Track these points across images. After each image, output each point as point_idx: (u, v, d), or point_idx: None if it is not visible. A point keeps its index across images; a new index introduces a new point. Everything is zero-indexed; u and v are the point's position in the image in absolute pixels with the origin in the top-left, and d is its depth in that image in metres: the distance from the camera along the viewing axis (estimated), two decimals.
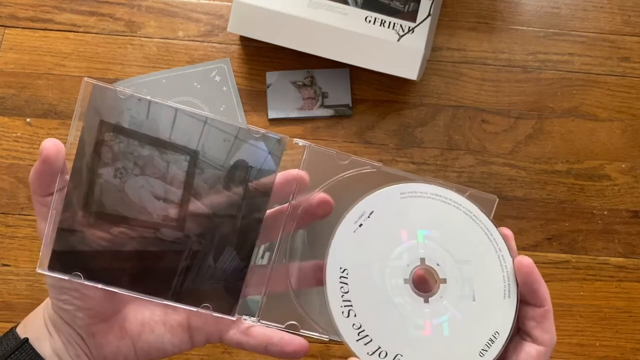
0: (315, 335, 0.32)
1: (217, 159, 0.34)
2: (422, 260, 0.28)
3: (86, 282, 0.32)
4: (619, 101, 0.61)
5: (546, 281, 0.56)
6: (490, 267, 0.29)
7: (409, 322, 0.27)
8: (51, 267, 0.32)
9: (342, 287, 0.27)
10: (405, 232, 0.29)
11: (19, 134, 0.58)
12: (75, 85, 0.59)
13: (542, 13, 0.64)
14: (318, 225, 0.32)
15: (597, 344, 0.54)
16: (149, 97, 0.32)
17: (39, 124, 0.58)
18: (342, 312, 0.27)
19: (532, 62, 0.62)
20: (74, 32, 0.61)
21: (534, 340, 0.27)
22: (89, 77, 0.32)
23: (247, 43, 0.61)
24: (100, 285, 0.33)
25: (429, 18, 0.57)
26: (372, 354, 0.27)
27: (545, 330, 0.27)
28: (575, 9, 0.64)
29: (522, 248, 0.57)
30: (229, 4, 0.61)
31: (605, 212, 0.58)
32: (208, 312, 0.34)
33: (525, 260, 0.29)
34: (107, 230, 0.32)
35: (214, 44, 0.61)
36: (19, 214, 0.57)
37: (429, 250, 0.28)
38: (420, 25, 0.57)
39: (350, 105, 0.60)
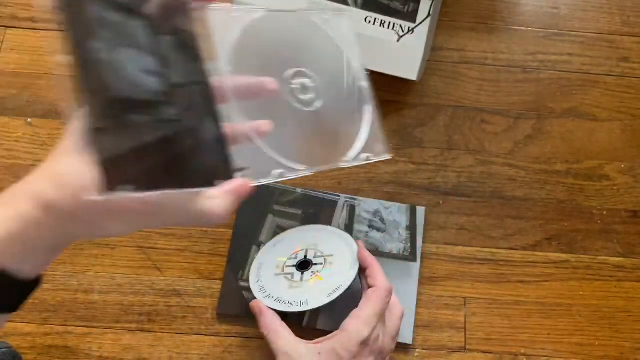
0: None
1: (159, 26, 0.31)
2: (306, 254, 0.52)
3: (144, 194, 0.27)
4: (618, 101, 0.62)
5: (546, 281, 0.56)
6: (345, 256, 0.51)
7: (288, 281, 0.51)
8: (112, 184, 0.26)
9: (258, 280, 0.52)
10: (299, 247, 0.53)
11: (19, 134, 0.58)
12: None
13: (541, 13, 0.64)
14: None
15: (597, 344, 0.54)
16: None
17: (39, 124, 0.59)
18: (257, 288, 0.52)
19: (531, 63, 0.63)
20: None
21: (371, 286, 0.48)
22: None
23: None
24: (157, 192, 0.27)
25: (429, 18, 0.57)
26: (265, 297, 0.50)
27: (374, 280, 0.48)
28: (575, 9, 0.64)
29: (522, 248, 0.57)
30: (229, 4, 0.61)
31: (605, 212, 0.58)
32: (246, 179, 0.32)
33: (363, 250, 0.51)
34: (124, 120, 0.28)
35: None
36: None
37: (311, 250, 0.53)
38: (420, 26, 0.57)
39: None
